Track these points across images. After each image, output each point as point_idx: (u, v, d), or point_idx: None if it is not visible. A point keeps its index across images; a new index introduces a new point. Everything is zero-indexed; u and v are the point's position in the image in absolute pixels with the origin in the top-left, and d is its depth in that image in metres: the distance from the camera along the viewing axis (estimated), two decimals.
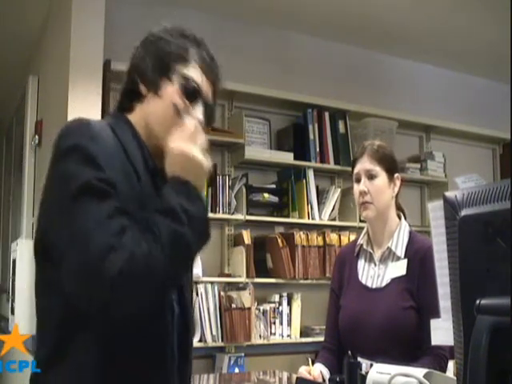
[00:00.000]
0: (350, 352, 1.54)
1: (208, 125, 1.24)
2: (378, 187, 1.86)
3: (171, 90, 1.17)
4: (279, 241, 3.51)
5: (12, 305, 3.42)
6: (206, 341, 3.25)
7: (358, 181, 1.90)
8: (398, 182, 1.91)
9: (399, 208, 1.96)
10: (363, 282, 1.89)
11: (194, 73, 1.20)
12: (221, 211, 3.40)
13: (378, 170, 1.87)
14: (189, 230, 1.03)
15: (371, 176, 1.87)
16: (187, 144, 1.10)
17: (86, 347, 1.04)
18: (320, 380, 1.74)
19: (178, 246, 1.02)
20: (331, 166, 3.79)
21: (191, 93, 1.18)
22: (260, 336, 3.45)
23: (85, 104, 2.92)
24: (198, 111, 1.18)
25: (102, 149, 1.05)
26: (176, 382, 1.18)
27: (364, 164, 1.88)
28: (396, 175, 1.91)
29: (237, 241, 3.56)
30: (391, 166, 1.90)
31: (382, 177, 1.87)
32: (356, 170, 1.91)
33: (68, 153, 1.04)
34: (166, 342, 1.14)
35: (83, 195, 1.00)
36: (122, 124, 1.19)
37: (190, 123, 1.13)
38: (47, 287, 1.10)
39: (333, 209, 3.75)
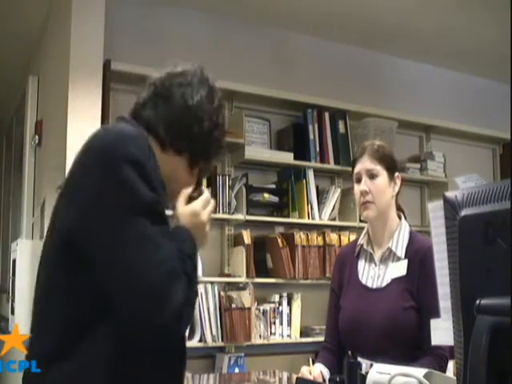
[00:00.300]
0: (350, 352, 1.55)
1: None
2: (378, 187, 1.86)
3: (198, 174, 1.30)
4: (279, 241, 3.51)
5: (12, 305, 3.42)
6: (205, 341, 3.24)
7: (359, 181, 1.89)
8: (398, 182, 1.91)
9: (399, 208, 1.96)
10: (363, 282, 1.88)
11: (213, 166, 1.35)
12: (221, 211, 3.39)
13: (378, 169, 1.86)
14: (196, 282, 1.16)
15: (372, 175, 1.87)
16: (207, 219, 1.24)
17: (98, 347, 1.04)
18: (320, 380, 1.74)
19: (195, 296, 1.15)
20: (331, 166, 3.79)
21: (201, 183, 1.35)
22: (260, 336, 3.45)
23: (85, 104, 2.92)
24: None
25: (153, 170, 1.09)
26: (178, 381, 1.18)
27: (365, 164, 1.88)
28: (396, 174, 1.91)
29: (237, 241, 3.56)
30: (391, 166, 1.90)
31: (382, 176, 1.87)
32: (356, 170, 1.90)
33: (128, 164, 1.04)
34: (173, 342, 1.16)
35: (146, 216, 1.03)
36: (142, 137, 1.18)
37: (211, 200, 1.27)
38: (65, 290, 1.08)
39: (333, 209, 3.75)
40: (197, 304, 3.24)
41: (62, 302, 1.07)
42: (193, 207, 1.22)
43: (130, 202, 1.03)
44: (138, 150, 1.07)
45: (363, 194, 1.86)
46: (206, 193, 1.29)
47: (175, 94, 1.24)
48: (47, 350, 1.06)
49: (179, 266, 1.05)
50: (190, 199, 1.25)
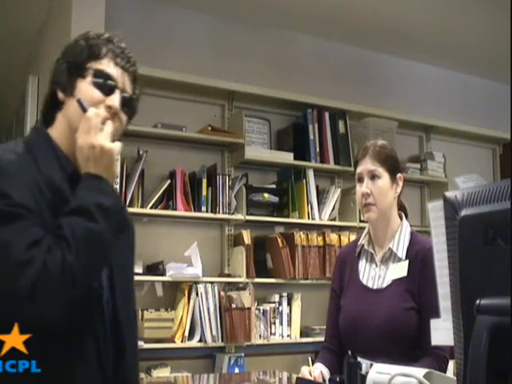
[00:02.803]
0: (350, 352, 1.55)
1: (130, 114, 1.26)
2: (380, 188, 1.86)
3: (83, 86, 1.19)
4: (279, 241, 3.51)
5: None
6: (205, 341, 3.24)
7: (360, 181, 1.89)
8: (400, 183, 1.91)
9: (401, 208, 1.96)
10: (364, 282, 1.88)
11: (107, 66, 1.21)
12: (221, 211, 3.39)
13: (380, 170, 1.86)
14: (105, 225, 1.08)
15: (374, 177, 1.86)
16: (90, 135, 1.12)
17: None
18: (320, 380, 1.74)
19: (95, 244, 1.07)
20: (331, 165, 3.79)
21: (105, 83, 1.19)
22: (260, 336, 3.44)
23: None
24: (115, 100, 1.19)
25: (6, 176, 1.07)
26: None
27: (367, 165, 1.87)
28: (398, 175, 1.91)
29: (237, 241, 3.55)
30: (394, 167, 1.89)
31: (384, 178, 1.86)
32: (358, 171, 1.90)
33: None
34: (93, 338, 1.15)
35: None
36: (39, 138, 1.21)
37: (91, 113, 1.14)
38: None
39: (333, 209, 3.75)
40: (197, 304, 3.24)
41: None
42: (77, 138, 1.14)
43: None
44: None
45: (365, 195, 1.86)
46: (89, 109, 1.15)
47: None
48: None
49: (27, 257, 1.01)
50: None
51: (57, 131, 1.22)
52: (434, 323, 1.04)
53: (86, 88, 1.18)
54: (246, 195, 3.45)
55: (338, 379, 1.58)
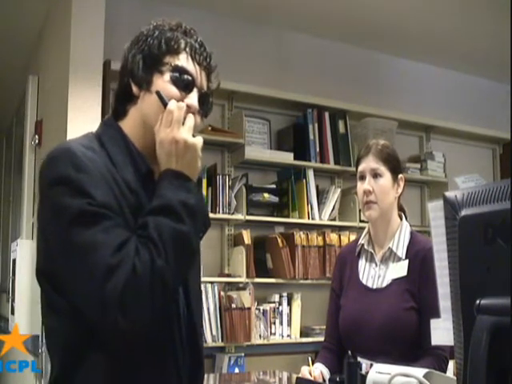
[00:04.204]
0: (349, 352, 1.55)
1: (205, 112, 1.21)
2: (382, 187, 1.86)
3: (161, 82, 1.13)
4: (279, 241, 3.51)
5: (12, 305, 3.41)
6: (205, 341, 3.24)
7: (362, 178, 1.89)
8: (401, 183, 1.91)
9: (401, 208, 1.96)
10: (364, 282, 1.89)
11: (185, 62, 1.15)
12: (221, 211, 3.39)
13: (382, 169, 1.87)
14: (191, 225, 1.02)
15: (376, 175, 1.87)
16: (172, 129, 1.06)
17: (94, 367, 1.03)
18: (320, 380, 1.74)
19: (182, 245, 1.01)
20: (331, 166, 3.79)
21: (183, 81, 1.14)
22: (260, 336, 3.45)
23: (85, 104, 2.91)
24: (193, 98, 1.14)
25: (88, 175, 1.01)
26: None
27: (369, 163, 1.87)
28: (400, 176, 1.91)
29: (237, 241, 3.56)
30: (395, 166, 1.90)
31: (386, 177, 1.87)
32: (360, 168, 1.90)
33: (54, 185, 1.02)
34: (172, 349, 1.11)
35: (76, 224, 0.98)
36: (112, 133, 1.15)
37: (172, 106, 1.08)
38: (51, 309, 1.10)
39: (333, 209, 3.75)
40: None
41: (58, 323, 1.08)
42: (157, 132, 1.08)
43: (59, 219, 1.01)
44: (64, 165, 1.02)
45: (366, 193, 1.86)
46: (170, 103, 1.09)
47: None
48: (56, 372, 1.07)
49: (116, 260, 0.96)
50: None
51: (129, 125, 1.16)
52: (433, 323, 1.04)
53: (163, 85, 1.13)
54: (246, 195, 3.45)
55: (337, 379, 1.58)
